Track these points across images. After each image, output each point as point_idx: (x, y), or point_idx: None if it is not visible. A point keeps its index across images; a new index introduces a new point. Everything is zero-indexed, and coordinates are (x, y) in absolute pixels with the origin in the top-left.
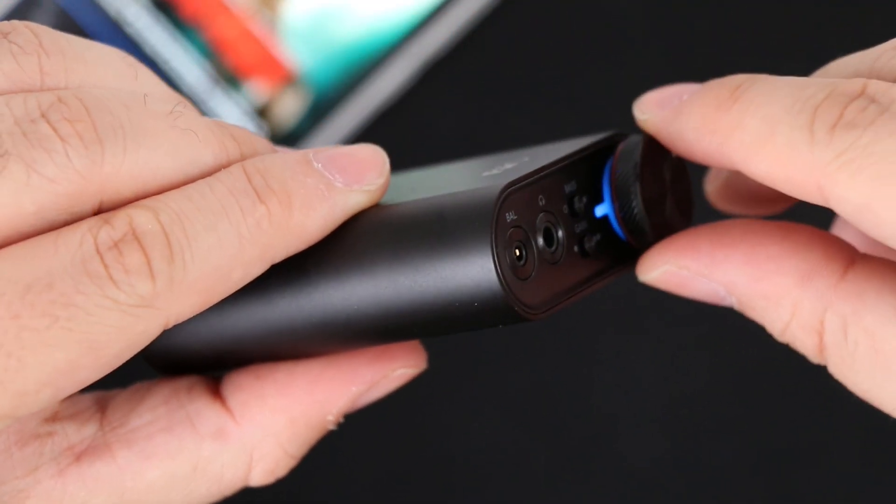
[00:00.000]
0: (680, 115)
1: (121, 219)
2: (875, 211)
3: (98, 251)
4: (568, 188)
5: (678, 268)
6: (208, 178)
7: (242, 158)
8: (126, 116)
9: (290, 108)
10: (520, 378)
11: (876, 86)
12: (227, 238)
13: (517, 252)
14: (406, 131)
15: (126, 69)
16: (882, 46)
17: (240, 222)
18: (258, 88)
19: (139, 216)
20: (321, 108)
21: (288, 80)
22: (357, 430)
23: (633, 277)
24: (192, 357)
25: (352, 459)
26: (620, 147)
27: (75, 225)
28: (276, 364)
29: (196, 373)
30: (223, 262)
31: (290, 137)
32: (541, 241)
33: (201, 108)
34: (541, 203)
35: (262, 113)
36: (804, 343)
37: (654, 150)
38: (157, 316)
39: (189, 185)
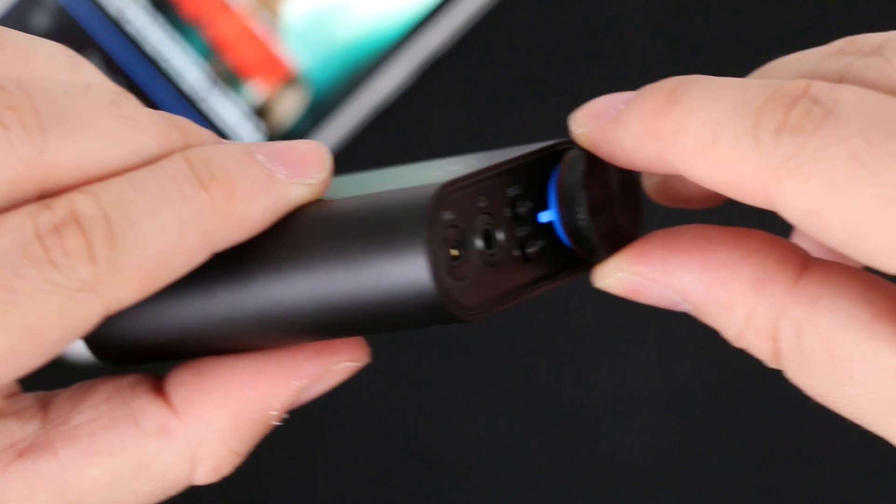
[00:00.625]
0: (618, 124)
1: (61, 203)
2: (825, 217)
3: (38, 235)
4: (512, 192)
5: (632, 275)
6: (150, 166)
7: (187, 149)
8: (69, 105)
9: (289, 107)
10: (511, 374)
11: (818, 86)
12: (168, 224)
13: (453, 252)
14: (406, 131)
15: (67, 61)
16: (824, 49)
17: (181, 208)
18: (258, 88)
19: (80, 201)
20: (321, 107)
21: (288, 79)
22: (348, 426)
23: None
24: (135, 346)
25: (342, 455)
26: (568, 154)
27: (16, 210)
28: (219, 360)
29: (140, 363)
30: (164, 247)
31: (289, 137)
32: (479, 242)
33: (201, 108)
34: (481, 205)
35: (261, 113)
36: (759, 349)
37: (602, 160)
38: (97, 301)
39: (131, 172)
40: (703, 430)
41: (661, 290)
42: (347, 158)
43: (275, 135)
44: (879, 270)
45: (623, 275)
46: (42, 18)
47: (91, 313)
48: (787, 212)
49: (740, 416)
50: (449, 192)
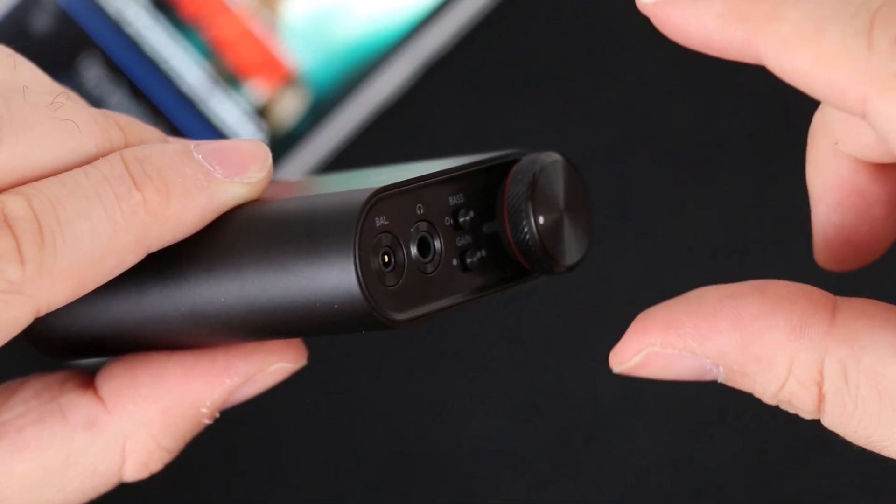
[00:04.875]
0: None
1: None
2: None
3: None
4: (453, 200)
5: (662, 347)
6: (85, 166)
7: (129, 148)
8: (3, 108)
9: (290, 108)
10: (514, 375)
11: None
12: (100, 224)
13: (384, 258)
14: (406, 131)
15: (5, 60)
16: None
17: (114, 209)
18: (258, 88)
19: (11, 202)
20: (321, 108)
21: (288, 80)
22: (351, 427)
23: (631, 274)
24: (71, 341)
25: (344, 455)
26: (516, 166)
27: None
28: (151, 355)
29: (79, 356)
30: (96, 248)
31: (290, 137)
32: (414, 249)
33: (201, 109)
34: (419, 212)
35: (262, 113)
36: (803, 399)
37: (551, 171)
38: (26, 302)
39: (65, 173)
40: (704, 431)
41: (693, 360)
42: (347, 158)
43: (276, 135)
44: None
45: (653, 350)
46: (42, 19)
47: (20, 315)
48: (882, 123)
49: (742, 416)
50: (381, 197)
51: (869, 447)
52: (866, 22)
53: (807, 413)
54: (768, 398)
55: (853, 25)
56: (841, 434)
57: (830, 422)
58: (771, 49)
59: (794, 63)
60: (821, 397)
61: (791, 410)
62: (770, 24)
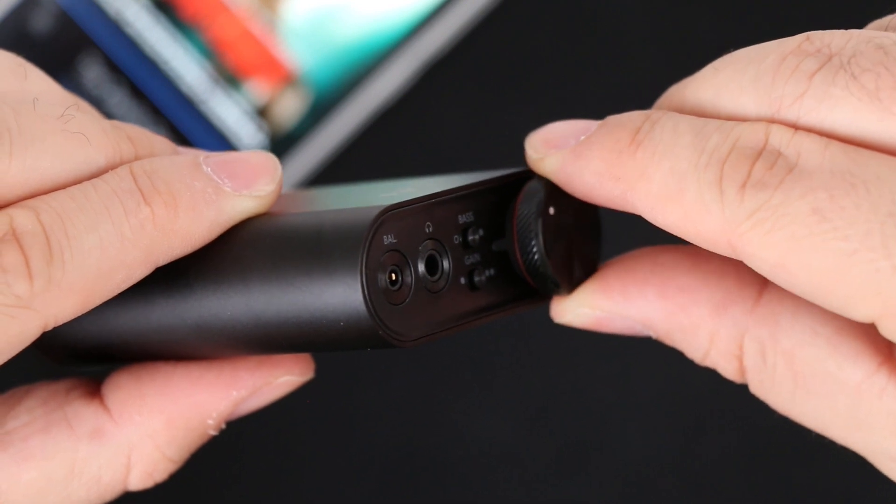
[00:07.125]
0: (579, 157)
1: (1, 219)
2: (790, 270)
3: None
4: (463, 219)
5: (591, 309)
6: (94, 179)
7: (137, 160)
8: (14, 120)
9: (290, 108)
10: (514, 376)
11: (779, 136)
12: (108, 239)
13: (392, 276)
14: (406, 131)
15: (16, 70)
16: (781, 48)
17: (122, 223)
18: (258, 88)
19: (20, 216)
20: (321, 108)
21: (288, 80)
22: (354, 429)
23: None
24: (78, 349)
25: (349, 457)
26: (526, 185)
27: None
28: (158, 365)
29: (86, 364)
30: (104, 263)
31: (290, 137)
32: (422, 268)
33: (201, 109)
34: (427, 230)
35: (262, 113)
36: (725, 368)
37: (560, 190)
38: (34, 317)
39: (74, 186)
40: (706, 432)
41: (623, 321)
42: (347, 159)
43: (276, 135)
44: (847, 317)
45: (585, 310)
46: (42, 20)
47: (27, 329)
48: (753, 263)
49: (742, 416)
50: (390, 215)
51: (789, 418)
52: (717, 173)
53: (733, 380)
54: (697, 362)
55: (706, 179)
56: (765, 402)
57: (754, 391)
58: (644, 207)
59: (666, 220)
60: (742, 370)
61: (721, 374)
62: (640, 184)
